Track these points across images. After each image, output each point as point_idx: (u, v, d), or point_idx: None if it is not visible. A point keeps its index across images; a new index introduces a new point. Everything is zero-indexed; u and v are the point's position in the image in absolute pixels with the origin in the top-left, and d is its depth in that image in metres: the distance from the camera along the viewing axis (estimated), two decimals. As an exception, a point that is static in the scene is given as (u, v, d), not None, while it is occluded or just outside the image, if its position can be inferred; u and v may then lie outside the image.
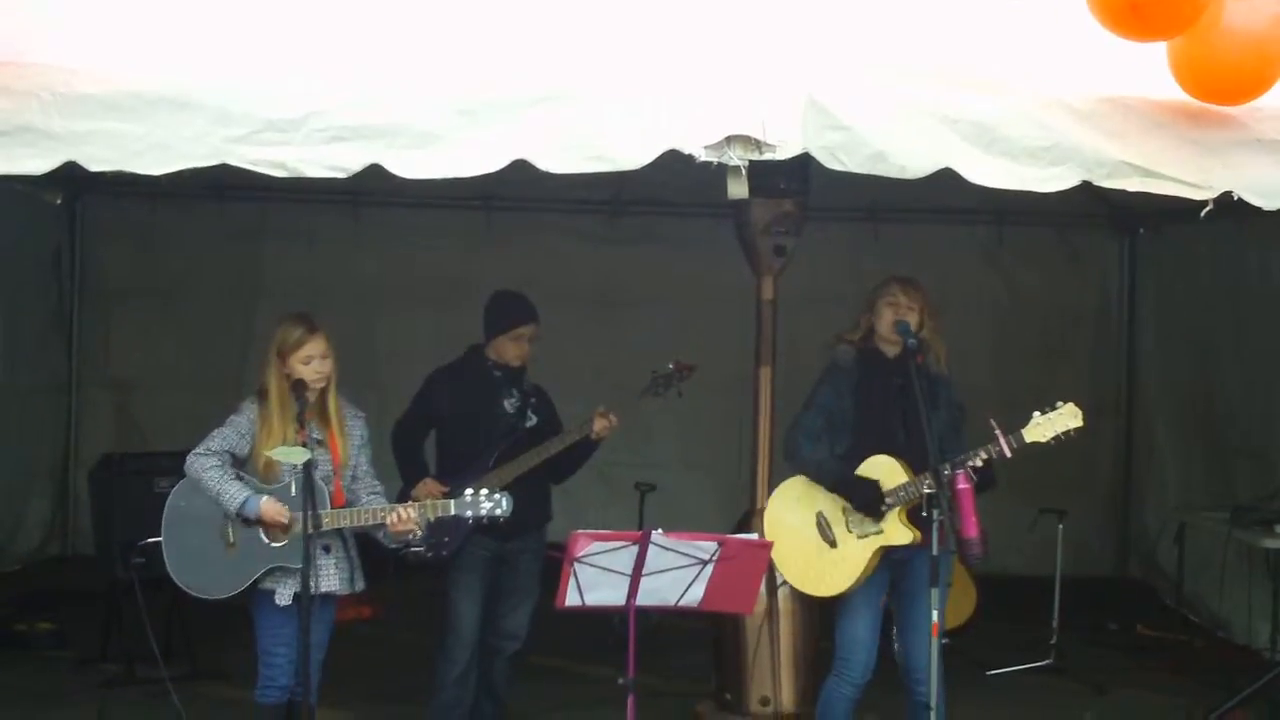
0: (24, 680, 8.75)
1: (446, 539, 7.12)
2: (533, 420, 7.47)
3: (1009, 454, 6.36)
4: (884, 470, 6.56)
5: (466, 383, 7.46)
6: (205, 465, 6.31)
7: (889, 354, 6.74)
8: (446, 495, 6.95)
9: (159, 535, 6.42)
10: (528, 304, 7.49)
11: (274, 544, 6.28)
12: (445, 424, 7.50)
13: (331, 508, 6.29)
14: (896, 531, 6.53)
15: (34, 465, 11.68)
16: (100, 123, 5.54)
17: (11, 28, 5.75)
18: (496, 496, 6.37)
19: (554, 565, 5.89)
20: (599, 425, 7.31)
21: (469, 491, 6.41)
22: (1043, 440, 6.39)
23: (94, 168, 5.60)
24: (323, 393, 6.45)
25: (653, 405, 7.72)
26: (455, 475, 7.20)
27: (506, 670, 7.54)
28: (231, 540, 6.29)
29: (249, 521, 6.26)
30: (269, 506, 6.23)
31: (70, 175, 5.87)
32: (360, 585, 6.55)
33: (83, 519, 10.89)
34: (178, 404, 11.04)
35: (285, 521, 6.22)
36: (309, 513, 6.06)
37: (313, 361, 6.38)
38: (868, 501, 6.53)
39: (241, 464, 6.40)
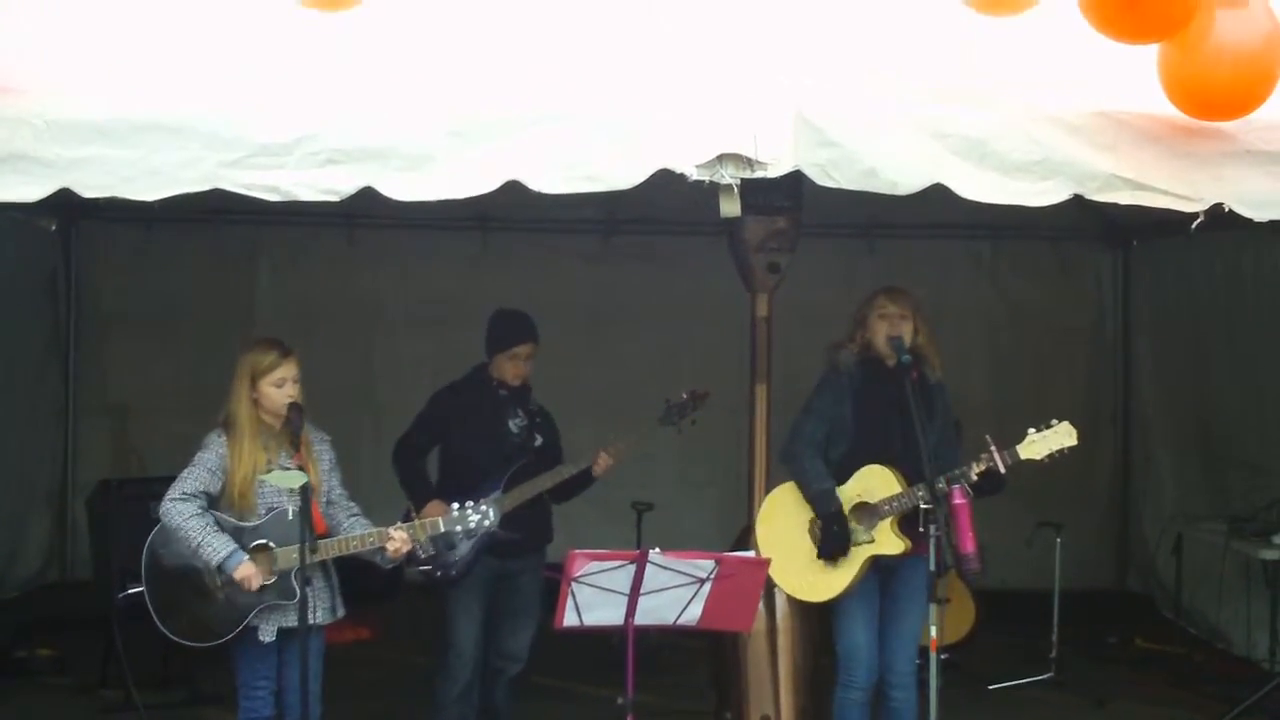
0: (24, 707, 8.76)
1: (455, 558, 7.11)
2: (539, 441, 7.49)
3: (1003, 470, 6.42)
4: (877, 480, 6.63)
5: (472, 402, 7.47)
6: (185, 513, 6.23)
7: (889, 364, 6.77)
8: None
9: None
10: (527, 323, 7.51)
11: (262, 583, 6.24)
12: (450, 443, 7.51)
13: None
14: (888, 541, 6.60)
15: (32, 491, 11.66)
16: (93, 149, 5.53)
17: (3, 55, 5.76)
18: (483, 508, 6.39)
19: (553, 586, 5.89)
20: (601, 464, 7.40)
21: (454, 506, 6.41)
22: (1037, 458, 6.48)
23: (87, 194, 5.59)
24: None
25: (641, 419, 7.74)
26: (461, 496, 7.21)
27: (508, 692, 7.56)
28: (218, 583, 6.27)
29: (223, 570, 6.21)
30: (245, 570, 6.17)
31: (64, 201, 5.87)
32: (341, 612, 6.55)
33: (81, 545, 10.87)
34: (175, 428, 10.91)
35: (253, 587, 6.18)
36: (305, 540, 6.04)
37: (285, 384, 6.36)
38: (833, 551, 6.64)
39: (215, 501, 6.34)
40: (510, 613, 7.46)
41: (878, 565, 6.67)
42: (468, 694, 7.41)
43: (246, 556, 6.19)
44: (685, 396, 7.70)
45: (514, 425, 7.46)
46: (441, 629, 7.39)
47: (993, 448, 6.42)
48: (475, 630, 7.38)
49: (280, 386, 6.34)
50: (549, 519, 7.61)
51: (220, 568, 6.18)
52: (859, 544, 6.61)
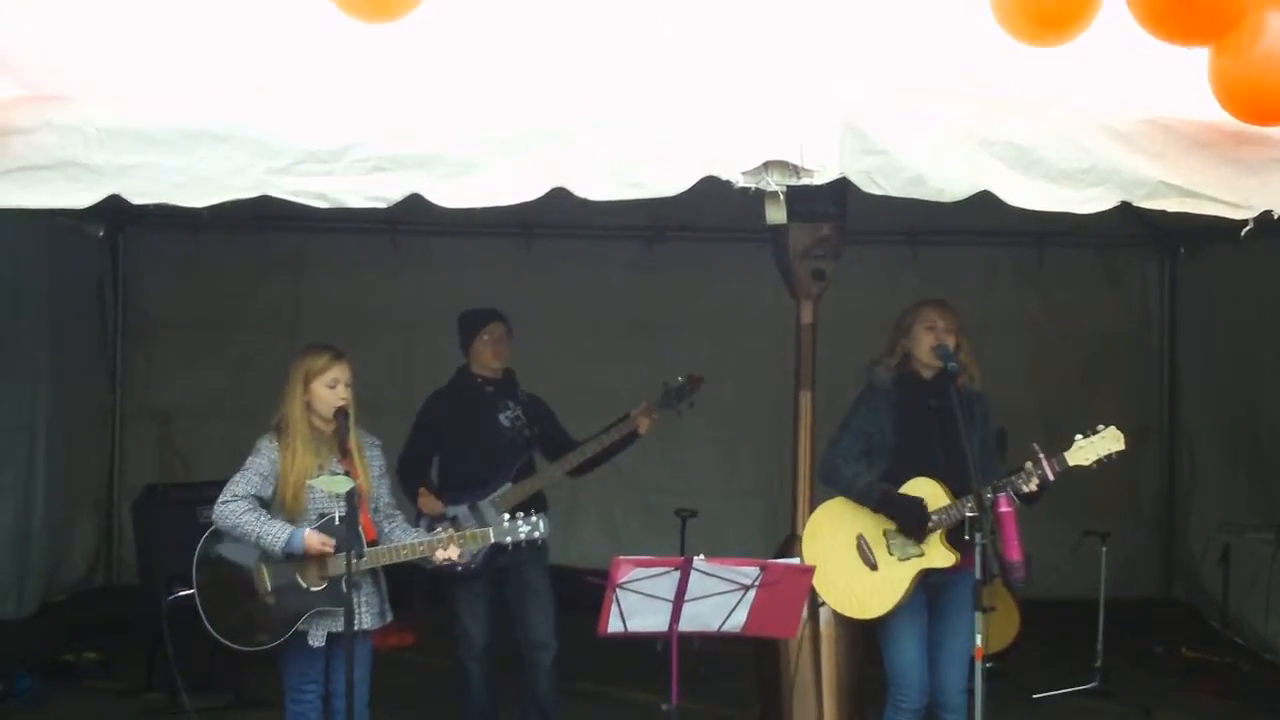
0: (70, 710, 8.82)
1: (476, 551, 7.16)
2: (532, 430, 7.57)
3: (1052, 477, 6.37)
4: (926, 492, 6.56)
5: (460, 401, 7.66)
6: (238, 511, 6.27)
7: (926, 376, 6.74)
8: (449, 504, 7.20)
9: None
10: (491, 309, 7.75)
11: (312, 588, 6.28)
12: (445, 446, 7.66)
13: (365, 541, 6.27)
14: (938, 554, 6.54)
15: (79, 496, 11.75)
16: (142, 156, 5.60)
17: (55, 64, 5.81)
18: (534, 519, 6.44)
19: (594, 589, 5.90)
20: (645, 424, 7.57)
21: (506, 517, 6.48)
22: (1085, 463, 6.40)
23: (137, 201, 5.66)
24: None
25: (691, 429, 7.77)
26: (460, 491, 7.32)
27: (549, 681, 7.65)
28: (268, 588, 6.31)
29: (291, 557, 6.26)
30: (313, 537, 6.23)
31: (113, 208, 5.92)
32: (390, 616, 6.58)
33: (127, 549, 10.94)
34: (220, 433, 11.07)
35: (330, 550, 6.22)
36: (353, 546, 6.06)
37: (338, 386, 6.40)
38: (913, 521, 6.51)
39: (266, 505, 6.38)
40: (524, 603, 7.61)
41: (925, 581, 6.63)
42: (487, 681, 7.61)
43: (306, 529, 6.22)
44: (681, 380, 7.78)
45: (504, 419, 7.59)
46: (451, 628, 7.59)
47: (1041, 456, 6.38)
48: (481, 625, 7.56)
49: (333, 388, 6.38)
50: (544, 507, 7.68)
51: (287, 552, 6.21)
52: (908, 558, 6.57)
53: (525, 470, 7.59)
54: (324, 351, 6.46)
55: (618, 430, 7.62)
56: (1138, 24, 5.63)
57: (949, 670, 6.68)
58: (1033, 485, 6.39)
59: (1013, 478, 6.38)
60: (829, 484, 6.87)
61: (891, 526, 6.61)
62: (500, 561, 7.36)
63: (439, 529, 6.65)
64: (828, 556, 6.68)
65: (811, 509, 7.20)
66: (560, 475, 7.62)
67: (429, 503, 7.47)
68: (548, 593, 7.61)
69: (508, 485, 7.48)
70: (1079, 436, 6.42)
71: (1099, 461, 6.41)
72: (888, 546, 6.62)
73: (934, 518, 6.51)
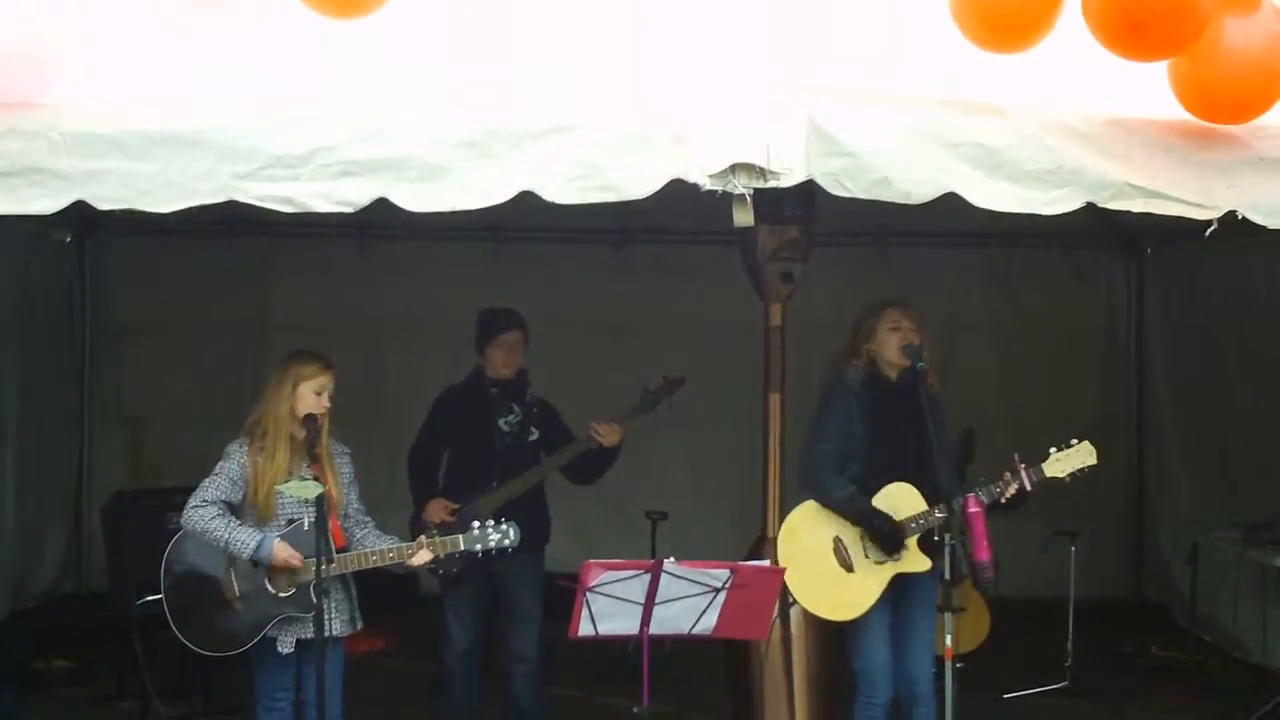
0: (41, 719, 8.75)
1: (458, 555, 7.17)
2: (534, 434, 7.58)
3: (1029, 487, 6.46)
4: (903, 498, 6.59)
5: (467, 401, 7.66)
6: (207, 516, 6.27)
7: (892, 377, 6.77)
8: (454, 514, 7.27)
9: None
10: (512, 313, 7.71)
11: (281, 594, 6.27)
12: (452, 443, 7.66)
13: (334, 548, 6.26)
14: (914, 559, 6.58)
15: (48, 503, 11.67)
16: (108, 162, 5.57)
17: (20, 70, 5.78)
18: (504, 528, 6.45)
19: (565, 593, 5.91)
20: (609, 435, 7.55)
21: (475, 524, 6.48)
22: (1060, 476, 6.54)
23: (103, 206, 5.63)
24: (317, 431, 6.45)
25: (661, 432, 7.76)
26: (461, 494, 7.32)
27: (526, 690, 7.68)
28: (236, 593, 6.30)
29: (258, 565, 6.25)
30: (282, 549, 6.22)
31: (80, 214, 5.90)
32: (360, 623, 6.58)
33: (97, 556, 10.87)
34: (189, 439, 11.00)
35: (298, 564, 6.21)
36: (323, 550, 6.04)
37: (323, 395, 6.41)
38: (891, 541, 6.55)
39: (235, 510, 6.37)
40: (509, 615, 7.63)
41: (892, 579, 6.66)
42: (468, 683, 7.63)
43: (277, 537, 6.22)
44: (661, 382, 7.81)
45: (504, 424, 7.58)
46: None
47: (1021, 466, 6.46)
48: (464, 630, 7.58)
49: (319, 394, 6.39)
50: (546, 520, 7.71)
51: (255, 560, 6.20)
52: (884, 561, 6.59)
53: (511, 473, 7.56)
54: (316, 359, 6.48)
55: (572, 449, 7.59)
56: (1099, 45, 5.68)
57: (916, 662, 6.75)
58: (1010, 491, 6.45)
59: (990, 486, 6.45)
60: (807, 490, 6.86)
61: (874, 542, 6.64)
62: (491, 568, 7.34)
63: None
64: (803, 557, 6.69)
65: (782, 511, 7.22)
66: (537, 478, 7.58)
67: (433, 510, 7.45)
68: (532, 609, 7.61)
69: (492, 489, 7.47)
70: (1053, 450, 6.54)
71: (1072, 475, 6.55)
72: (864, 550, 6.64)
73: (911, 525, 6.56)
